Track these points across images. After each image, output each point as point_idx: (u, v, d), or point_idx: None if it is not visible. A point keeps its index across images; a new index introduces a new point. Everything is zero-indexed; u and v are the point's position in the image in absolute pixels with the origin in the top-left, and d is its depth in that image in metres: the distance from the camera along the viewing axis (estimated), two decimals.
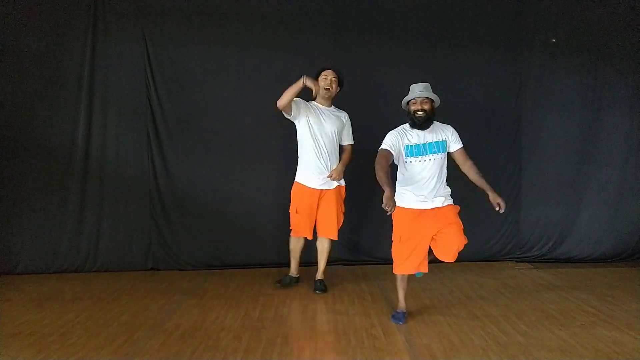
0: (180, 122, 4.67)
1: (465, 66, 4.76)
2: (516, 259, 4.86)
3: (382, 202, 2.82)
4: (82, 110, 4.57)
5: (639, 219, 4.88)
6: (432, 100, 3.27)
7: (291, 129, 4.06)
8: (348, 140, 4.05)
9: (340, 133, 3.97)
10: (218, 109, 4.66)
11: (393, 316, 3.32)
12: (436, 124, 3.33)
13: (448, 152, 3.34)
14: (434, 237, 3.27)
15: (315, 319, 3.38)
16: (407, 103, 3.30)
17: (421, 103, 3.22)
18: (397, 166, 3.37)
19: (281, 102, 3.72)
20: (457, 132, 3.36)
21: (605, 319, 3.27)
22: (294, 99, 3.77)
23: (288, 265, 4.17)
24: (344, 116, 3.99)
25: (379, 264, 4.63)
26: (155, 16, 4.60)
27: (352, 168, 4.68)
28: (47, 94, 4.56)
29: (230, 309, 3.56)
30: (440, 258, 3.30)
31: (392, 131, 3.32)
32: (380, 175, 2.98)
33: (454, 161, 3.37)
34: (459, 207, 3.35)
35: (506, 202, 4.67)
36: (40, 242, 4.62)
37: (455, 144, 3.32)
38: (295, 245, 4.06)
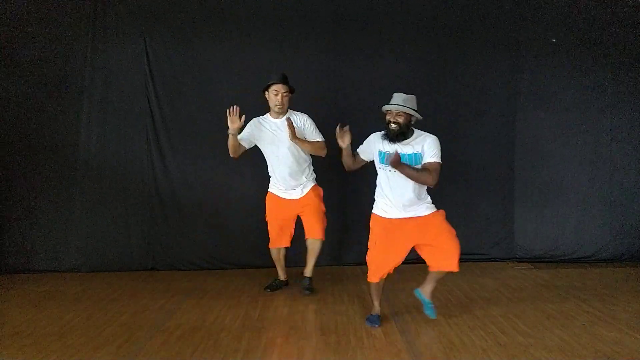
0: (179, 123, 4.67)
1: (462, 66, 4.76)
2: (516, 259, 4.85)
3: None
4: (84, 111, 4.59)
5: (639, 220, 4.88)
6: (409, 115, 3.06)
7: None
8: (315, 138, 3.78)
9: (302, 137, 3.73)
10: (218, 109, 4.62)
11: (367, 319, 3.26)
12: (418, 134, 3.12)
13: None
14: (423, 248, 3.18)
15: (315, 319, 3.38)
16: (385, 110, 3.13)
17: (396, 115, 3.04)
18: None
19: (232, 155, 3.72)
20: (439, 145, 3.08)
21: (605, 319, 3.27)
22: (240, 139, 3.67)
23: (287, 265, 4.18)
24: (299, 120, 3.75)
25: None
26: (155, 16, 4.61)
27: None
28: (51, 96, 4.58)
29: (230, 309, 3.56)
30: (442, 268, 3.17)
31: (372, 135, 3.25)
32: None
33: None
34: (443, 213, 3.20)
35: (500, 202, 4.58)
36: (40, 242, 4.64)
37: (427, 158, 3.05)
38: (275, 255, 4.06)
